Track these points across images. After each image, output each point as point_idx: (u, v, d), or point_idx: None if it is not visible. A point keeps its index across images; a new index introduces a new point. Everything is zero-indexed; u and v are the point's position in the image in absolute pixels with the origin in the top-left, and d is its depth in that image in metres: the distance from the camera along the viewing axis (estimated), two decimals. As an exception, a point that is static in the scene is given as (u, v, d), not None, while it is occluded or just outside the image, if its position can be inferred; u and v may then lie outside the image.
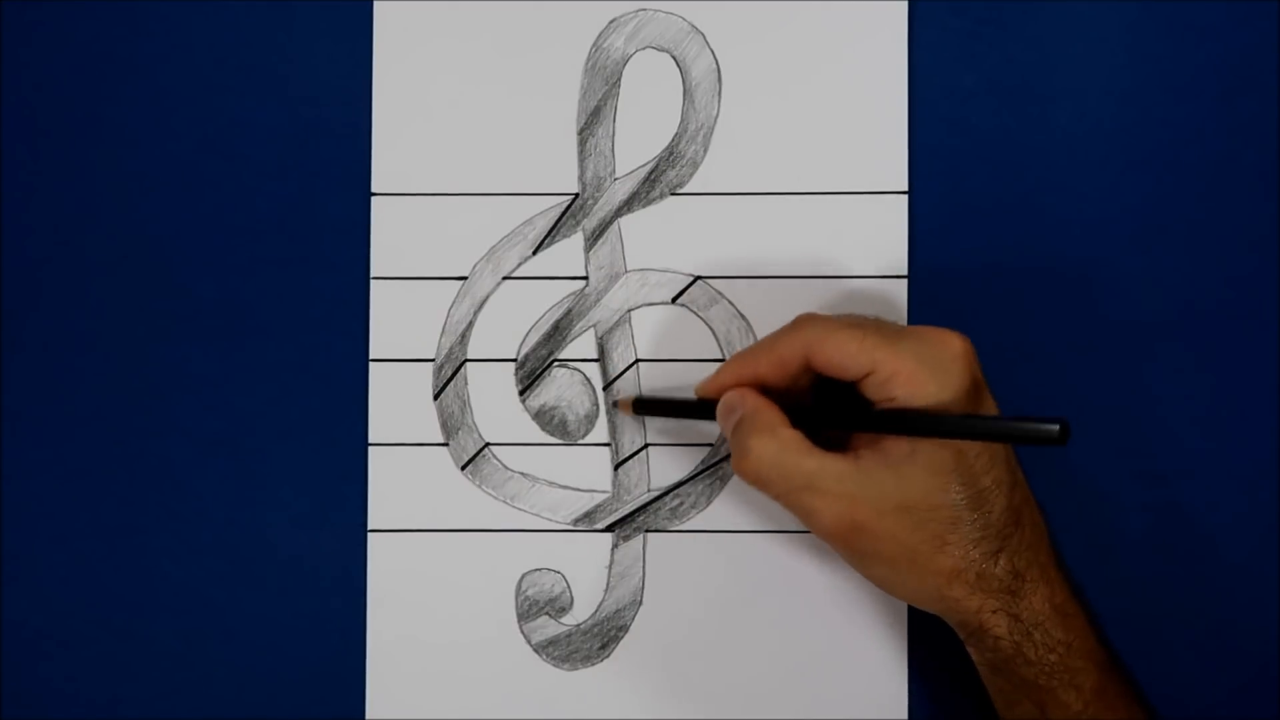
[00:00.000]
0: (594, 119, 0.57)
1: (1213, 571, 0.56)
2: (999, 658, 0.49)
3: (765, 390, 0.50)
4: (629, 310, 0.57)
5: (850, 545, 0.49)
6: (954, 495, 0.47)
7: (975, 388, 0.48)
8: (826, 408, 0.50)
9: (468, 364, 0.57)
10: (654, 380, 0.57)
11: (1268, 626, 0.56)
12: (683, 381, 0.56)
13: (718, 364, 0.56)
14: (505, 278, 0.57)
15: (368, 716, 0.57)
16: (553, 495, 0.57)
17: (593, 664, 0.57)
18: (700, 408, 0.53)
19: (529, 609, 0.57)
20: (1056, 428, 0.45)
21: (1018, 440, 0.46)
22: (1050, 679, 0.48)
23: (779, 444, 0.49)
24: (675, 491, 0.57)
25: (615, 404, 0.57)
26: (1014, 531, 0.48)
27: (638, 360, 0.57)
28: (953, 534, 0.48)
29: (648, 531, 0.57)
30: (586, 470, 0.57)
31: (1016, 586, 0.48)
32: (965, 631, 0.50)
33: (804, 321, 0.50)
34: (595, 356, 0.57)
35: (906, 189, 0.56)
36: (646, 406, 0.56)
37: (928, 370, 0.47)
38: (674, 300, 0.57)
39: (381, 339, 0.57)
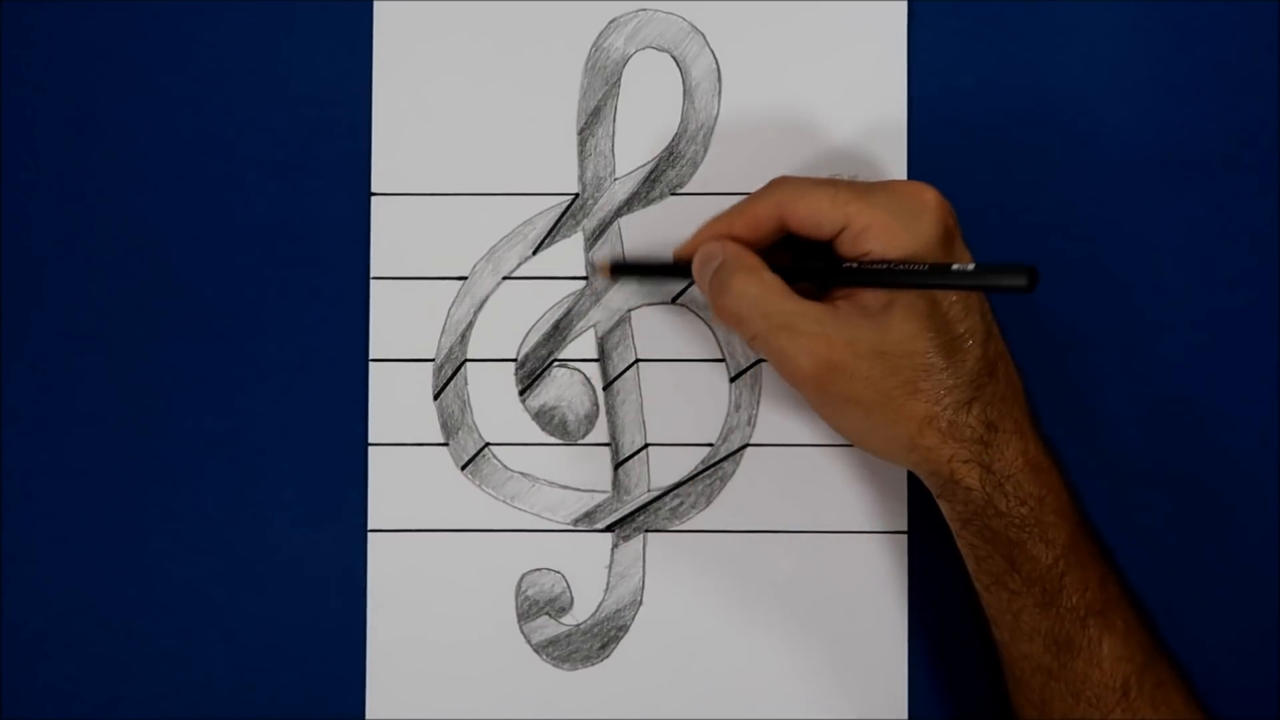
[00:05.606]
0: (594, 119, 0.57)
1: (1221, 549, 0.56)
2: (969, 510, 0.49)
3: None
4: (629, 310, 0.57)
5: (824, 388, 0.49)
6: (928, 342, 0.48)
7: (947, 236, 0.49)
8: (802, 264, 0.50)
9: (468, 364, 0.57)
10: (654, 383, 0.57)
11: (1268, 613, 0.56)
12: (683, 382, 0.56)
13: (718, 363, 0.57)
14: (505, 278, 0.57)
15: (368, 716, 0.57)
16: (553, 495, 0.57)
17: (593, 664, 0.57)
18: (679, 269, 0.53)
19: (529, 609, 0.57)
20: (1024, 278, 0.45)
21: (985, 288, 0.47)
22: (1020, 532, 0.49)
23: (761, 284, 0.49)
24: (675, 491, 0.57)
25: (594, 267, 0.57)
26: (987, 382, 0.49)
27: (638, 360, 0.57)
28: (926, 380, 0.48)
29: (648, 531, 0.57)
30: (586, 470, 0.57)
31: (989, 437, 0.48)
32: (937, 483, 0.50)
33: (778, 183, 0.51)
34: (595, 356, 0.57)
35: (906, 189, 0.56)
36: (625, 269, 0.56)
37: (900, 222, 0.48)
38: (674, 300, 0.57)
39: (381, 339, 0.57)
